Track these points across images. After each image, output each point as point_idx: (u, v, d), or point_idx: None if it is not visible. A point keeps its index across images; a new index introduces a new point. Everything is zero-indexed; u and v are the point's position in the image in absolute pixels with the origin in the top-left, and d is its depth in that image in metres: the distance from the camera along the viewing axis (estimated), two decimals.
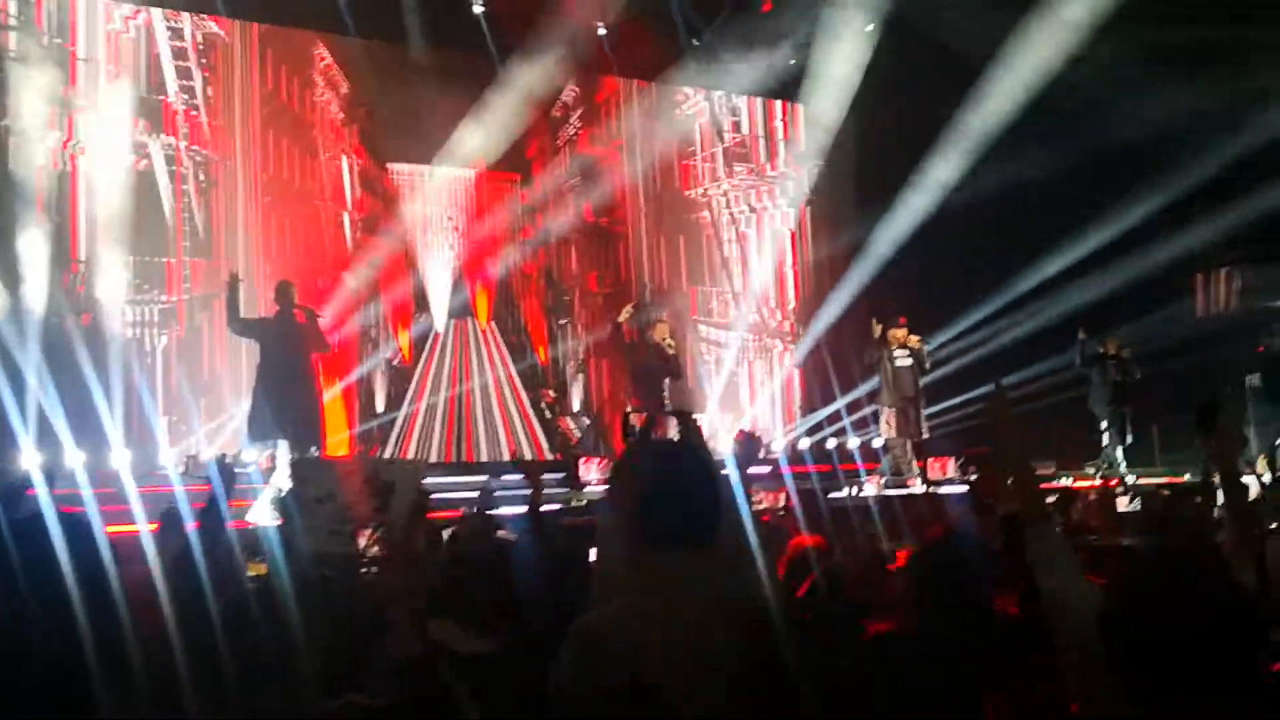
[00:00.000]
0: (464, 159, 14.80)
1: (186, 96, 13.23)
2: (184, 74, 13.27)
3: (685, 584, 2.63)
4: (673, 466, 2.79)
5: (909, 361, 12.62)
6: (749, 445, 3.58)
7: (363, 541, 5.94)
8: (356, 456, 12.24)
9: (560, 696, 2.58)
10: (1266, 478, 9.30)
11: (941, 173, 15.37)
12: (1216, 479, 4.32)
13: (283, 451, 10.11)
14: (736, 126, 18.00)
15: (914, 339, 12.74)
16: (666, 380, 12.12)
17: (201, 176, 13.33)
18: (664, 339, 12.25)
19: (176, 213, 13.03)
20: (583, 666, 2.56)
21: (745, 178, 17.89)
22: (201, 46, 13.46)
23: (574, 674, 2.57)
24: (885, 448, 12.84)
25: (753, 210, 17.92)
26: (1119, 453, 13.81)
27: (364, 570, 5.81)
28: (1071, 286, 15.23)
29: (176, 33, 13.27)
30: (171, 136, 13.04)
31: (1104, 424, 13.84)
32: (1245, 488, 3.51)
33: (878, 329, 12.80)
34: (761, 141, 18.21)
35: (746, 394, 17.23)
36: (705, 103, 17.28)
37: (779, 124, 18.28)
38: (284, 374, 10.47)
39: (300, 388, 10.58)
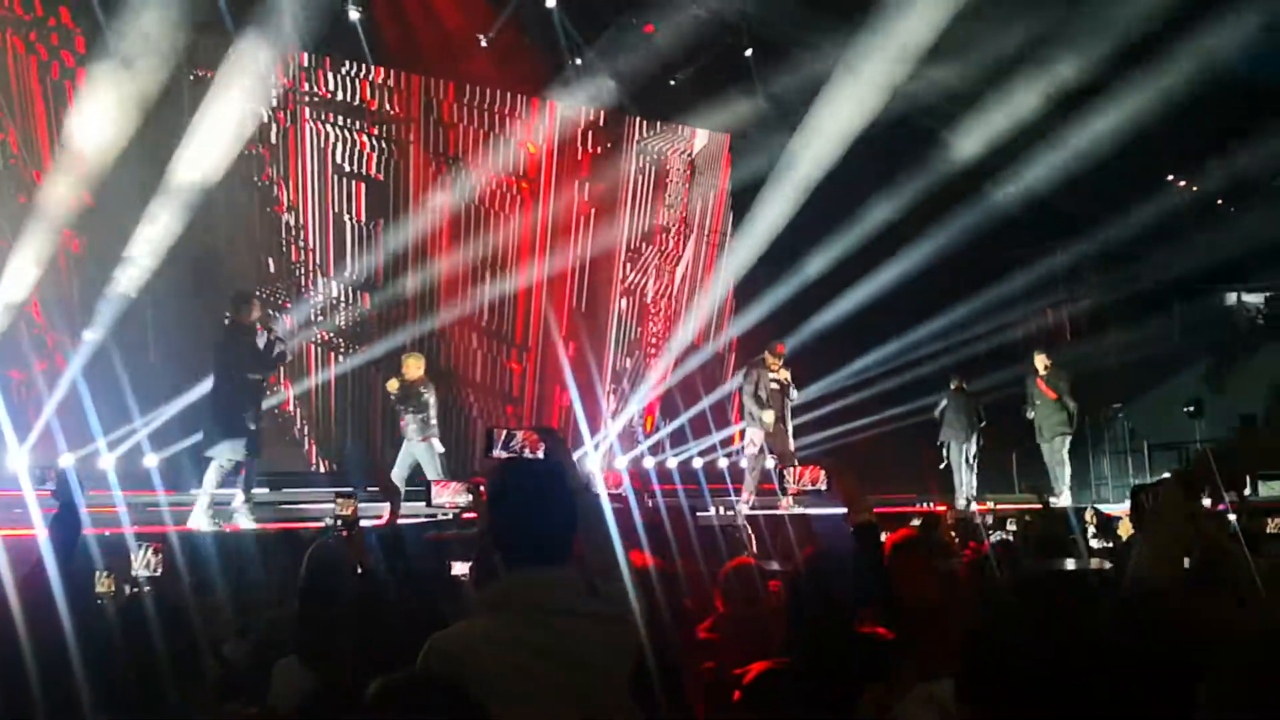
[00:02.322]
0: None
1: None
2: None
3: (537, 601, 2.62)
4: (524, 483, 2.78)
5: (777, 386, 12.81)
6: (551, 439, 3.49)
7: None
8: None
9: None
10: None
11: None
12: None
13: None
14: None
15: (784, 371, 12.92)
16: None
17: None
18: None
19: None
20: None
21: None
22: None
23: None
24: (749, 468, 12.98)
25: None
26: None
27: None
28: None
29: None
30: None
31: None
32: None
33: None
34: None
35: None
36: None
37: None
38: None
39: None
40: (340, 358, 14.66)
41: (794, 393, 13.03)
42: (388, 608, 4.18)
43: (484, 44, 15.30)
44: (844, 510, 3.83)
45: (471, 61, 15.41)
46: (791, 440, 13.09)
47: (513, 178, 16.37)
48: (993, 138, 15.21)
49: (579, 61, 16.22)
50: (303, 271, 14.56)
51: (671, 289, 18.28)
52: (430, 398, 11.70)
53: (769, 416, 12.59)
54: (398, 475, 11.43)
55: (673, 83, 16.99)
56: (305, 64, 14.54)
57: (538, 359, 16.50)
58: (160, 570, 5.37)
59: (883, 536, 3.84)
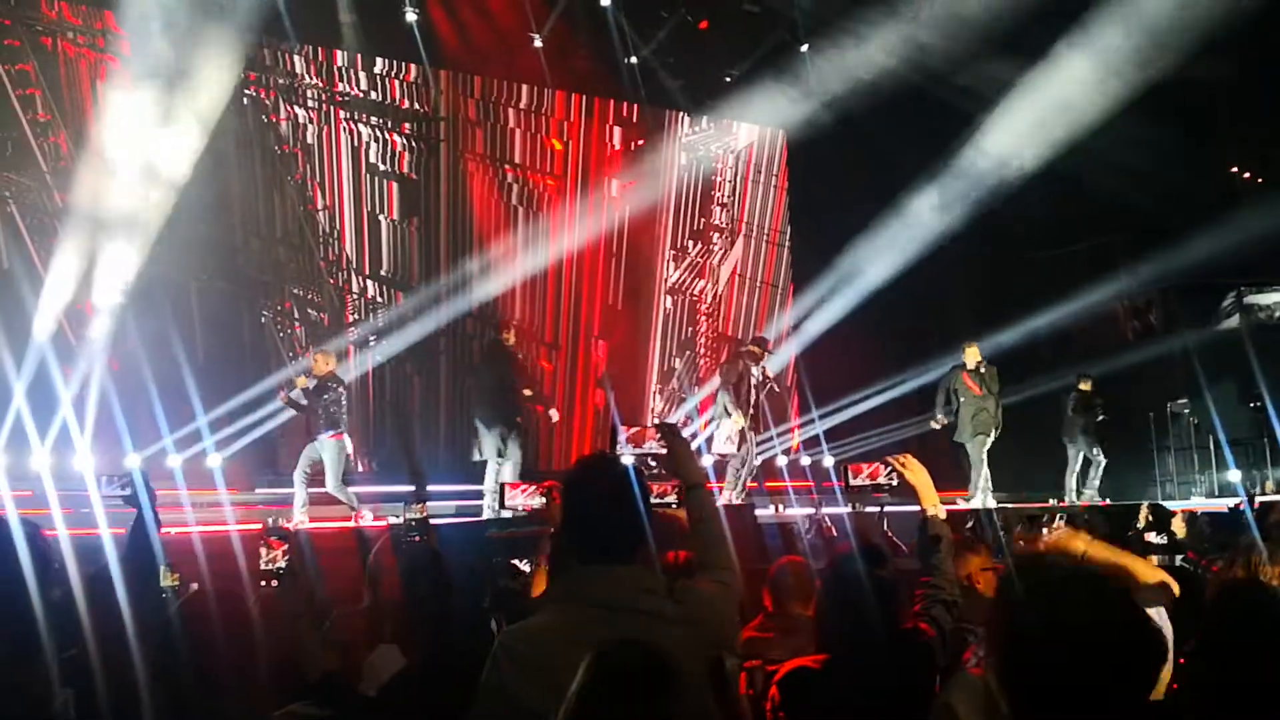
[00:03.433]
0: None
1: None
2: None
3: (601, 597, 2.65)
4: (598, 480, 2.81)
5: (759, 380, 12.64)
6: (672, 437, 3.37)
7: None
8: None
9: (480, 704, 2.63)
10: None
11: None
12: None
13: None
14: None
15: (766, 369, 12.79)
16: None
17: None
18: None
19: None
20: (497, 679, 2.61)
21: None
22: None
23: (489, 684, 2.62)
24: (731, 464, 12.64)
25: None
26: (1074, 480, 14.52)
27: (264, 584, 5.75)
28: None
29: None
30: None
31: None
32: None
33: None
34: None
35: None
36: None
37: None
38: None
39: None
40: (376, 356, 14.70)
41: (775, 386, 13.01)
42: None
43: (537, 43, 15.35)
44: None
45: (524, 60, 15.46)
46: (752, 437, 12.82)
47: (549, 177, 16.37)
48: (1042, 126, 15.09)
49: (633, 60, 16.23)
50: (338, 270, 14.68)
51: (728, 289, 18.26)
52: (341, 392, 11.45)
53: (739, 420, 12.41)
54: (298, 473, 11.18)
55: (728, 79, 16.98)
56: (340, 64, 14.68)
57: (568, 358, 16.48)
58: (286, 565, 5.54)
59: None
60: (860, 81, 15.61)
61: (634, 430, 3.39)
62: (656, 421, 14.30)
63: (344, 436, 11.34)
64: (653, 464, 5.58)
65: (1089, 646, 2.01)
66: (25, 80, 12.34)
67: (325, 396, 11.24)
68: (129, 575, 3.97)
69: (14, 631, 2.76)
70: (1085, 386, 14.78)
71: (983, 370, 13.41)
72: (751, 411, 12.51)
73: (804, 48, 16.29)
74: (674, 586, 2.82)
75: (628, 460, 3.05)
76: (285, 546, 5.91)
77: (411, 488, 11.96)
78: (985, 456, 13.29)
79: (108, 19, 12.74)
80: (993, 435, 13.32)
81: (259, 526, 9.99)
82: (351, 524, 10.65)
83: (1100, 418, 14.54)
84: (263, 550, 5.52)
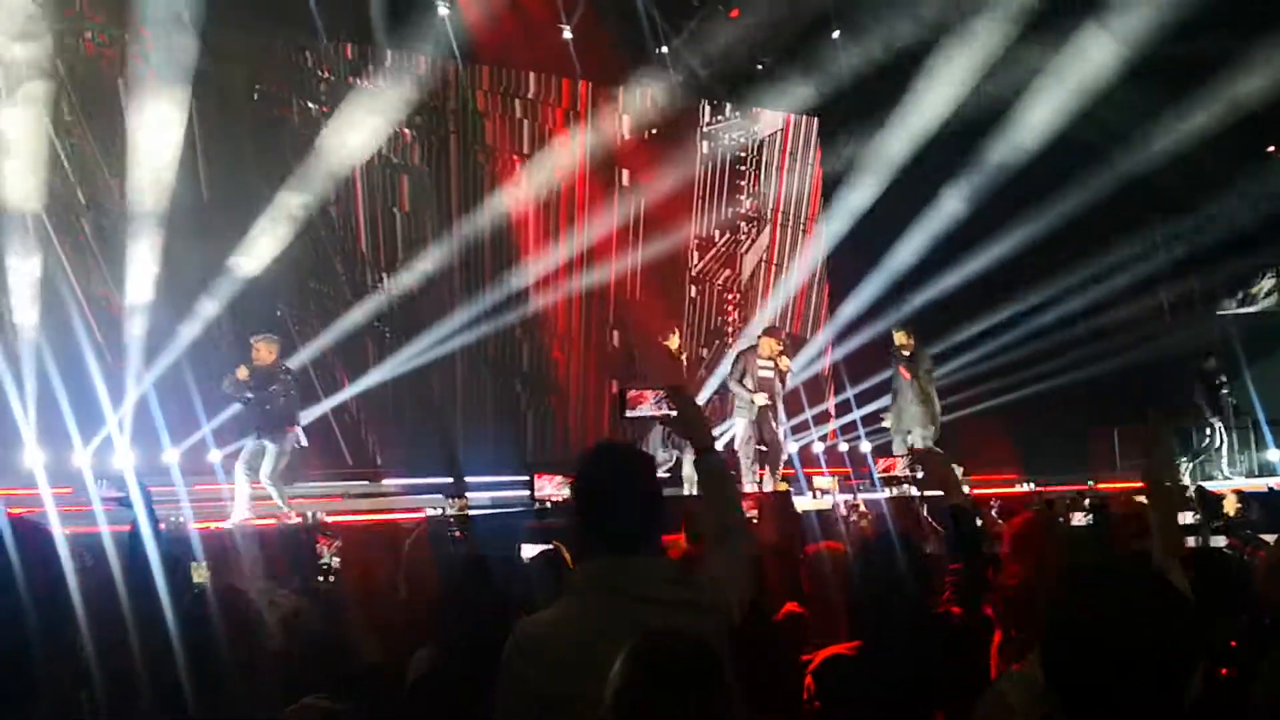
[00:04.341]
0: None
1: None
2: None
3: (616, 588, 2.64)
4: (609, 468, 2.79)
5: (770, 374, 12.55)
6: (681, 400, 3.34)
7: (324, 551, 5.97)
8: None
9: (498, 697, 2.63)
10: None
11: None
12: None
13: None
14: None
15: (783, 358, 12.61)
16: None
17: None
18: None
19: None
20: (512, 669, 2.61)
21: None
22: None
23: (506, 675, 2.62)
24: (742, 455, 12.52)
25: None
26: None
27: (321, 579, 5.86)
28: None
29: None
30: None
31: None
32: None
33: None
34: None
35: None
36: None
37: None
38: None
39: None
40: (392, 349, 14.65)
41: (787, 380, 12.80)
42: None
43: (566, 34, 15.31)
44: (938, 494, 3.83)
45: (553, 51, 15.41)
46: (780, 430, 12.74)
47: (560, 167, 16.25)
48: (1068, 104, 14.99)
49: (664, 49, 16.19)
50: (353, 264, 14.68)
51: (757, 277, 18.20)
52: (291, 382, 10.96)
53: (760, 399, 12.34)
54: (242, 466, 10.58)
55: (759, 67, 16.91)
56: (350, 56, 14.67)
57: (582, 348, 16.43)
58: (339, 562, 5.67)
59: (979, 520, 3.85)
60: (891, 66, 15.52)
61: (636, 394, 3.35)
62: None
63: (297, 429, 10.91)
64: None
65: (1134, 647, 2.00)
66: (51, 80, 12.24)
67: (272, 388, 10.74)
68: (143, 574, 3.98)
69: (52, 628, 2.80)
70: (1210, 364, 14.58)
71: (917, 355, 13.02)
72: (769, 403, 12.44)
73: (835, 33, 16.17)
74: (688, 574, 2.80)
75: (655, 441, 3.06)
76: (334, 543, 6.03)
77: (449, 480, 11.88)
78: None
79: (128, 17, 12.64)
80: (929, 434, 12.84)
81: (299, 519, 10.14)
82: (383, 517, 10.65)
83: (1224, 391, 14.44)
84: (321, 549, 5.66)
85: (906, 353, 13.09)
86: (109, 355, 12.10)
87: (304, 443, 11.09)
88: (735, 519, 2.99)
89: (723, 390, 13.52)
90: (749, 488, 12.14)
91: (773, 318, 17.43)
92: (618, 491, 2.73)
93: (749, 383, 12.46)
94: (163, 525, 4.42)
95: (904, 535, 3.73)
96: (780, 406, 12.74)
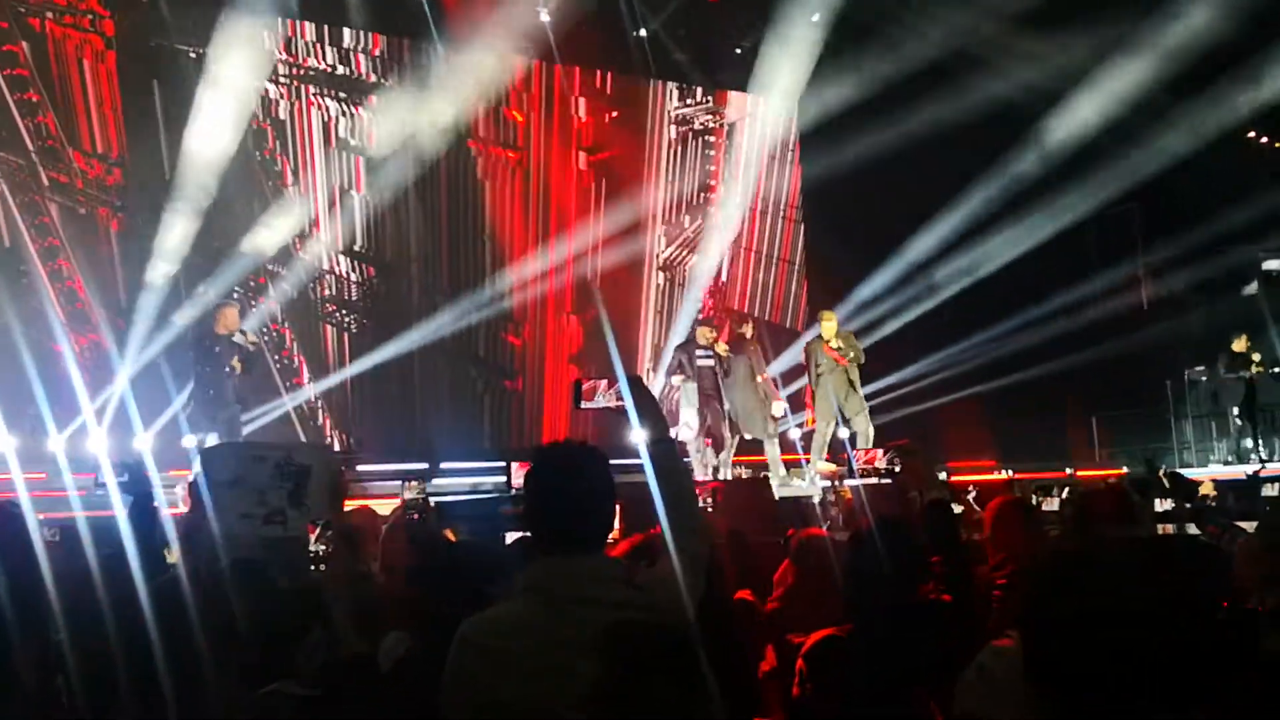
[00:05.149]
0: None
1: None
2: None
3: (561, 590, 2.57)
4: (555, 467, 2.72)
5: (710, 363, 12.46)
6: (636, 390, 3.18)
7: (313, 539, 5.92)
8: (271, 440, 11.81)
9: (444, 694, 2.58)
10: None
11: None
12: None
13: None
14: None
15: (722, 346, 12.49)
16: None
17: None
18: None
19: None
20: (459, 667, 2.55)
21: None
22: None
23: (452, 673, 2.56)
24: (694, 450, 12.47)
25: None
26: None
27: (312, 567, 5.82)
28: None
29: None
30: None
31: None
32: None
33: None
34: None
35: None
36: None
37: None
38: None
39: None
40: (350, 333, 14.58)
41: (728, 368, 12.49)
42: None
43: (544, 16, 15.12)
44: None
45: (530, 34, 15.16)
46: (726, 423, 12.60)
47: (512, 150, 16.12)
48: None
49: (642, 32, 16.10)
50: (310, 246, 14.46)
51: (744, 267, 18.12)
52: (261, 348, 10.89)
53: (694, 395, 12.37)
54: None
55: (739, 51, 16.83)
56: (308, 38, 14.54)
57: (536, 333, 16.24)
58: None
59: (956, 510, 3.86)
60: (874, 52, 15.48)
61: (590, 384, 3.27)
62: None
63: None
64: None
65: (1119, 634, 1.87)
66: (13, 61, 12.47)
67: (238, 355, 10.60)
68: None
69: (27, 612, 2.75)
70: (1239, 346, 14.46)
71: (844, 339, 12.69)
72: (710, 395, 12.38)
73: (815, 17, 16.02)
74: (635, 573, 2.74)
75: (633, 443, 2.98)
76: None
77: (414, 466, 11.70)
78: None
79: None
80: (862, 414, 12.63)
81: None
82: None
83: (1254, 372, 14.35)
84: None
85: (833, 335, 12.63)
86: (73, 339, 12.16)
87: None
88: (687, 514, 2.92)
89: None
90: (701, 476, 12.06)
91: (758, 308, 17.40)
92: (562, 490, 2.66)
93: (688, 373, 12.43)
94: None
95: (896, 522, 3.71)
96: (724, 400, 12.58)
